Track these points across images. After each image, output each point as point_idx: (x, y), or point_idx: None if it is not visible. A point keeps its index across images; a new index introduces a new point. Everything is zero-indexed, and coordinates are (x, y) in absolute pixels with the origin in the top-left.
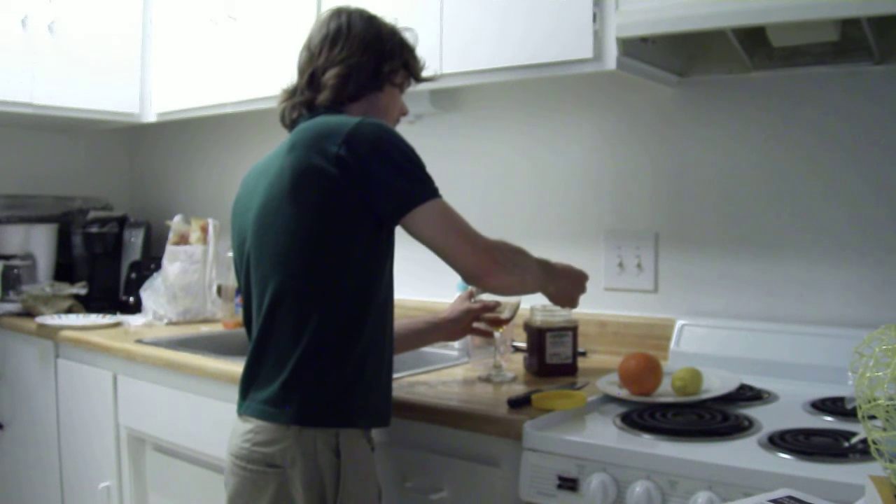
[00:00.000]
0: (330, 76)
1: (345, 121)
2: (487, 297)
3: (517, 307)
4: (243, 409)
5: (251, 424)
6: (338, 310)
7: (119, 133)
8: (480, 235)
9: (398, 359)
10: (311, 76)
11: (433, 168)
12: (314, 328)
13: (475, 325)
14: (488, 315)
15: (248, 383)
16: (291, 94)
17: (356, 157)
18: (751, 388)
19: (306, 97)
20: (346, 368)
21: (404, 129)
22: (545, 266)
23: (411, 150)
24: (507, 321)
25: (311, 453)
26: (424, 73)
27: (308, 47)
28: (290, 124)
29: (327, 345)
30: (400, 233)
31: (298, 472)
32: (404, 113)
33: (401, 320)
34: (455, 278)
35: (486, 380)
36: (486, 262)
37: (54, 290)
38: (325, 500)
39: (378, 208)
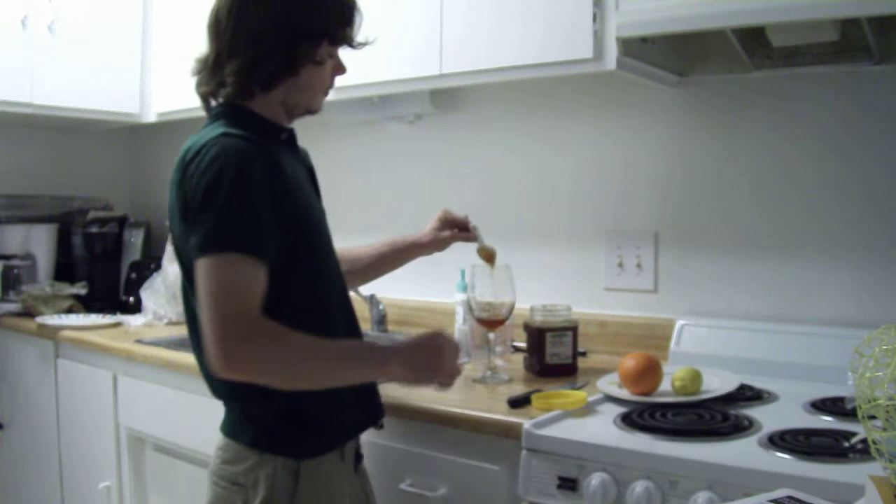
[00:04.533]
0: (231, 71)
1: (190, 148)
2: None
3: (512, 307)
4: (220, 426)
5: (223, 441)
6: None
7: (119, 133)
8: (243, 316)
9: None
10: (216, 58)
11: (433, 168)
12: None
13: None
14: (484, 316)
15: (224, 403)
16: (200, 68)
17: (190, 194)
18: (751, 388)
19: (210, 88)
20: (292, 394)
21: (405, 131)
22: (362, 355)
23: (231, 191)
24: (502, 322)
25: (272, 475)
26: (359, 39)
27: (216, 12)
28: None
29: None
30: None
31: (259, 492)
32: (341, 72)
33: (361, 249)
34: (455, 279)
35: (481, 381)
36: (221, 356)
37: (54, 290)
38: None
39: None
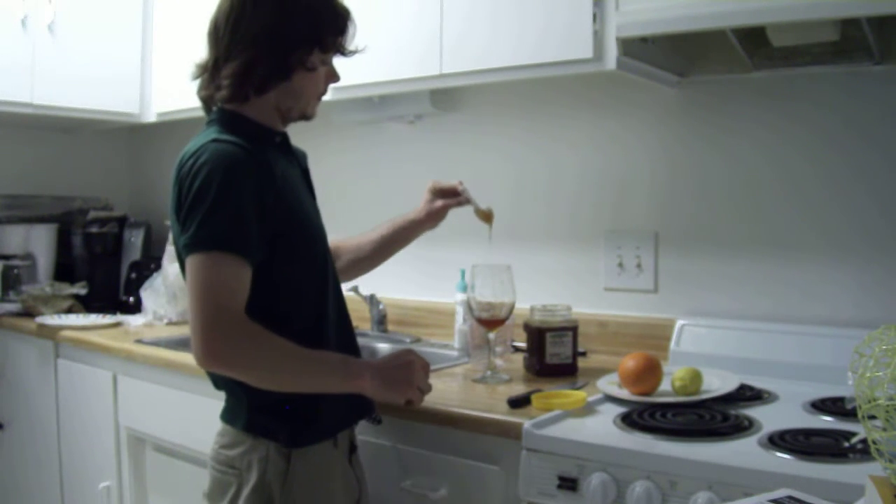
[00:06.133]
0: (226, 74)
1: (185, 153)
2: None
3: (512, 307)
4: (220, 414)
5: (221, 427)
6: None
7: (119, 133)
8: (226, 312)
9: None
10: (214, 63)
11: (433, 168)
12: None
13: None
14: (484, 316)
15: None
16: (200, 73)
17: (182, 196)
18: (751, 388)
19: (209, 92)
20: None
21: (405, 131)
22: (334, 366)
23: (219, 194)
24: (502, 322)
25: (264, 458)
26: (350, 47)
27: (215, 20)
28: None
29: None
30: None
31: (252, 476)
32: (334, 80)
33: (363, 236)
34: (455, 279)
35: (481, 381)
36: (201, 348)
37: (54, 290)
38: None
39: None
